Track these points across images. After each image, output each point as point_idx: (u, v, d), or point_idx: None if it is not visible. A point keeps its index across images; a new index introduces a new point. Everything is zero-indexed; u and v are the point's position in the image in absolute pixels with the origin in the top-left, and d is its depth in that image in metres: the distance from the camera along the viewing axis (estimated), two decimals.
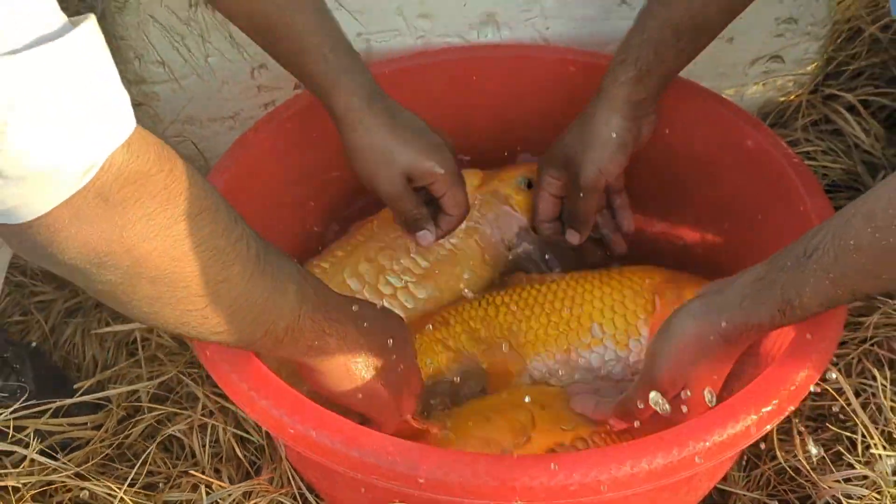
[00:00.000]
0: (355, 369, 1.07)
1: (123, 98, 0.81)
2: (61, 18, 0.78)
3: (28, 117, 0.75)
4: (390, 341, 1.10)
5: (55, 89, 0.77)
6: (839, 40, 1.52)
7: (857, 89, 1.50)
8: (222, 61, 1.42)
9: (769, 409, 0.98)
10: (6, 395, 1.25)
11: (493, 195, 1.40)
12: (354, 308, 1.07)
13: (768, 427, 0.98)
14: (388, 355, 1.10)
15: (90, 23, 0.79)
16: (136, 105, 1.40)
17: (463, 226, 1.34)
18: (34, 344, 1.34)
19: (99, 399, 1.27)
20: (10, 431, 1.20)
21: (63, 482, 1.18)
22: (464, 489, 0.95)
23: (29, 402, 1.23)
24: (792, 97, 1.50)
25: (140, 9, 1.36)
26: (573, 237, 1.32)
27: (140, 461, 1.21)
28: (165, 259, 0.86)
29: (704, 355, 1.03)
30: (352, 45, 1.22)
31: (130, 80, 1.42)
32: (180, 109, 1.45)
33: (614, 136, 1.24)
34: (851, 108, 1.49)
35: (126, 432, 1.25)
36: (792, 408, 0.99)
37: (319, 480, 1.14)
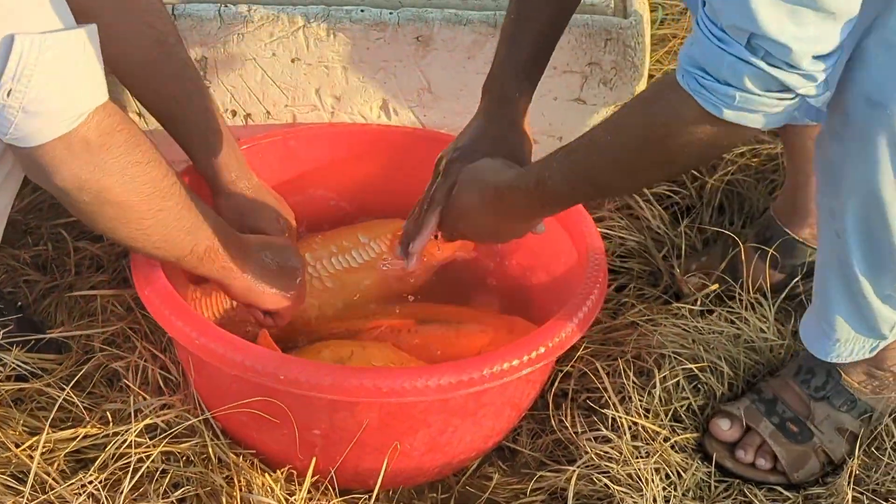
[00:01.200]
0: (255, 282, 1.60)
1: (102, 77, 1.33)
2: (73, 18, 1.29)
3: (48, 74, 1.26)
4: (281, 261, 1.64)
5: (66, 60, 1.28)
6: None
7: (653, 186, 2.02)
8: None
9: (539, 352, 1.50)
10: None
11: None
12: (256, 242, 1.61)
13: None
14: (280, 272, 1.63)
15: (94, 27, 1.31)
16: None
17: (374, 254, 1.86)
18: (20, 304, 1.81)
19: (64, 338, 1.74)
20: None
21: (34, 389, 1.65)
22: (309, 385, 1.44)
23: (10, 335, 1.71)
24: None
25: None
26: None
27: (90, 385, 1.69)
28: (123, 190, 1.38)
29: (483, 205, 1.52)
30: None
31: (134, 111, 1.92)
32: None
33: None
34: (647, 200, 2.00)
35: (80, 367, 1.72)
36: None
37: (208, 392, 1.61)
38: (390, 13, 1.84)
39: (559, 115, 1.93)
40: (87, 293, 1.81)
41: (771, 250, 1.87)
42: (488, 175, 1.54)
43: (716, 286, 1.86)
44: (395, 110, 1.93)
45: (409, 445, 1.57)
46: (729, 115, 1.26)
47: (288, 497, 1.56)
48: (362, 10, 1.84)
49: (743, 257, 1.88)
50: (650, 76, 2.14)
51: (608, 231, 1.95)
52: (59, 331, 1.76)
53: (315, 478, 1.59)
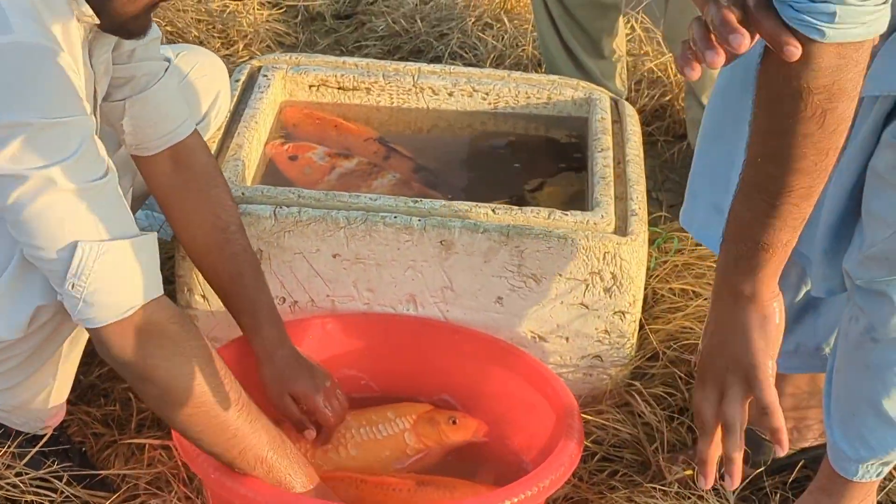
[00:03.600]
0: None
1: (156, 277, 1.65)
2: (136, 229, 1.63)
3: (102, 274, 1.61)
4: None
5: (119, 264, 1.61)
6: (640, 360, 2.29)
7: (651, 388, 2.25)
8: None
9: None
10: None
11: (428, 422, 2.14)
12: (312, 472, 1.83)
13: None
14: None
15: (153, 235, 1.64)
16: None
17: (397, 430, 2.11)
18: (84, 449, 2.11)
19: (113, 477, 2.03)
20: None
21: None
22: None
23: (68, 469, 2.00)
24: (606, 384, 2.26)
25: None
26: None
27: None
28: (164, 379, 1.67)
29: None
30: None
31: (180, 304, 2.25)
32: (210, 329, 2.26)
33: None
34: (645, 399, 2.23)
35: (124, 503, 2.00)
36: None
37: None
38: (419, 220, 2.15)
39: (565, 318, 2.20)
40: (137, 441, 2.10)
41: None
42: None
43: (689, 472, 2.06)
44: (422, 304, 2.21)
45: None
46: (831, 34, 1.25)
47: None
48: (395, 217, 2.15)
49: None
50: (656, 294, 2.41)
51: (605, 423, 2.18)
52: (111, 471, 2.05)
53: None
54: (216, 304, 2.21)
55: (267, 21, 3.63)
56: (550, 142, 2.56)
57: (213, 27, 3.54)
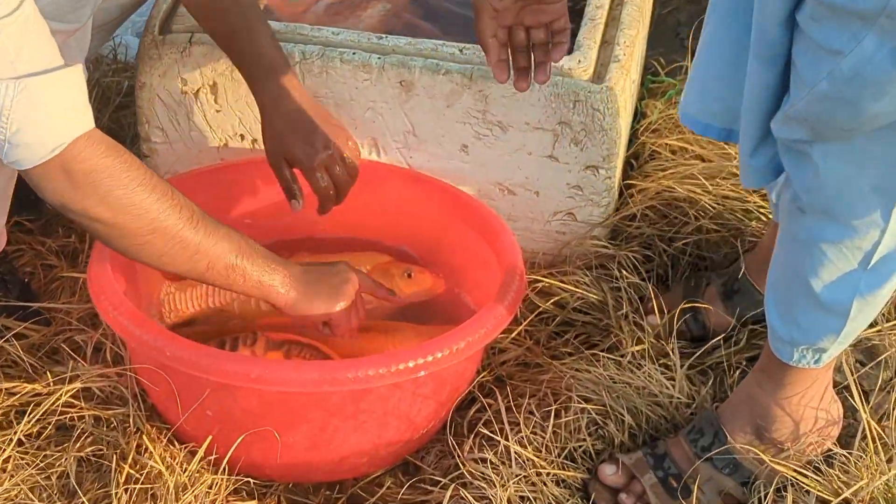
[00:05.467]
0: (303, 301, 1.70)
1: (83, 111, 1.54)
2: (59, 62, 1.53)
3: (22, 113, 1.49)
4: (325, 276, 1.75)
5: (39, 101, 1.51)
6: (619, 218, 2.13)
7: (626, 250, 2.10)
8: (199, 136, 2.14)
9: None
10: None
11: (383, 274, 2.04)
12: (286, 263, 1.72)
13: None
14: (326, 283, 1.74)
15: (76, 68, 1.54)
16: (142, 157, 2.16)
17: None
18: (27, 280, 2.06)
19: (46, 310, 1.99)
20: None
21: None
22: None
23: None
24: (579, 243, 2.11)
25: (152, 88, 2.10)
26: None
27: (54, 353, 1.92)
28: (106, 210, 1.57)
29: None
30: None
31: (141, 136, 2.16)
32: (170, 164, 2.17)
33: None
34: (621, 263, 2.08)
35: (54, 337, 1.95)
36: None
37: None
38: (378, 58, 2.01)
39: (534, 170, 2.05)
40: (77, 275, 2.04)
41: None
42: None
43: (645, 345, 1.92)
44: (384, 149, 2.09)
45: (292, 439, 1.72)
46: None
47: (179, 468, 1.73)
48: (354, 53, 2.02)
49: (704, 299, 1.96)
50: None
51: (572, 286, 2.04)
52: (42, 304, 2.00)
53: (213, 457, 1.75)
54: (175, 134, 2.13)
55: None
56: None
57: None
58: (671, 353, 1.88)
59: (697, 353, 1.89)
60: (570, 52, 2.03)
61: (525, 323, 2.00)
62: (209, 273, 1.65)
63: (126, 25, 2.42)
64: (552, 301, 2.03)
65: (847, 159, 1.47)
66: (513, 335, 1.99)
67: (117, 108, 2.45)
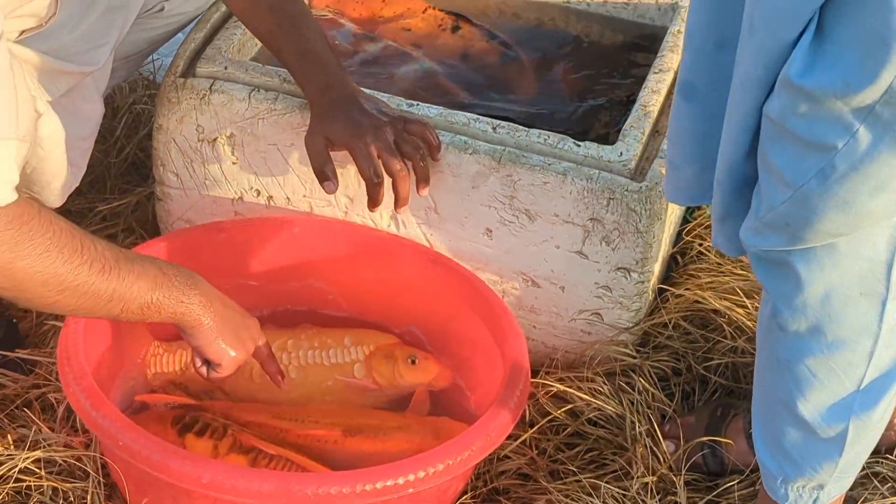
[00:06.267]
0: (210, 330, 1.62)
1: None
2: None
3: None
4: (238, 319, 1.66)
5: None
6: (649, 324, 1.96)
7: (655, 359, 1.93)
8: (214, 186, 2.01)
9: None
10: None
11: (385, 357, 1.90)
12: (211, 289, 1.63)
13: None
14: (238, 324, 1.66)
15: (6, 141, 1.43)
16: (156, 199, 2.04)
17: (348, 359, 1.88)
18: (14, 320, 1.96)
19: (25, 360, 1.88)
20: None
21: None
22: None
23: None
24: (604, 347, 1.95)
25: (168, 132, 1.98)
26: None
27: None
28: (10, 284, 1.46)
29: None
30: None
31: (156, 179, 2.05)
32: (183, 211, 2.05)
33: None
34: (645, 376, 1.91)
35: (29, 391, 1.84)
36: None
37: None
38: None
39: (561, 264, 1.89)
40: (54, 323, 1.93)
41: None
42: None
43: (654, 477, 1.75)
44: (404, 223, 1.94)
45: None
46: None
47: None
48: None
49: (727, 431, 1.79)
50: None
51: (586, 396, 1.87)
52: (24, 353, 1.89)
53: None
54: (190, 182, 2.01)
55: None
56: (621, 52, 2.20)
57: None
58: (679, 490, 1.71)
59: (706, 498, 1.72)
60: (613, 141, 1.87)
61: (533, 430, 1.85)
62: (123, 314, 1.57)
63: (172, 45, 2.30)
64: (565, 409, 1.87)
65: (832, 264, 1.31)
66: (517, 442, 1.84)
67: (148, 136, 2.33)
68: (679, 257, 2.09)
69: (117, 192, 2.26)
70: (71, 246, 1.49)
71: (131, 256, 1.58)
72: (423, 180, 1.81)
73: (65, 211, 2.19)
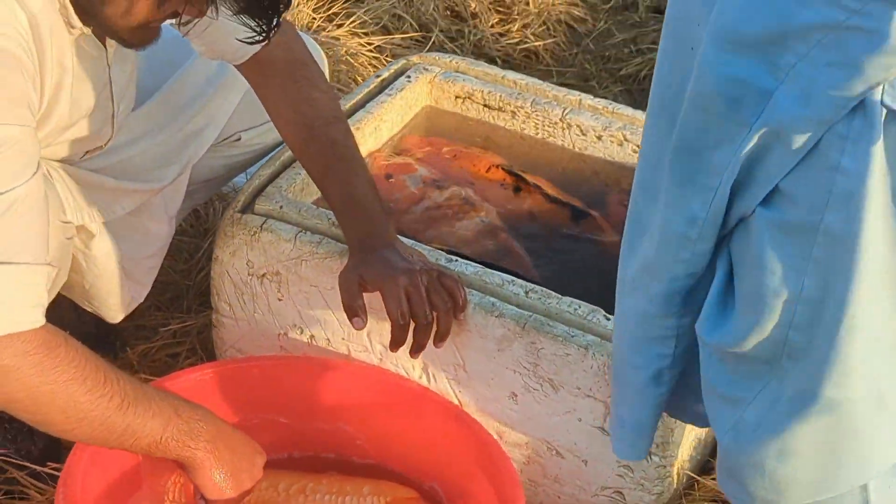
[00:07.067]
0: (211, 474, 1.66)
1: (25, 310, 1.50)
2: (23, 257, 1.50)
3: None
4: (242, 460, 1.69)
5: None
6: None
7: None
8: (262, 320, 2.05)
9: None
10: None
11: None
12: (220, 431, 1.66)
13: None
14: (238, 467, 1.68)
15: (43, 268, 1.52)
16: (211, 326, 2.09)
17: None
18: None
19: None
20: None
21: None
22: None
23: None
24: None
25: (222, 263, 2.03)
26: None
27: None
28: (32, 404, 1.54)
29: None
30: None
31: (212, 306, 2.09)
32: (235, 340, 2.09)
33: None
34: None
35: None
36: None
37: None
38: None
39: (583, 438, 1.84)
40: None
41: None
42: None
43: None
44: (434, 377, 1.93)
45: None
46: None
47: None
48: None
49: None
50: None
51: None
52: (52, 467, 1.95)
53: None
54: (241, 313, 2.05)
55: (563, 3, 3.33)
56: None
57: (497, 0, 3.29)
58: None
59: None
60: None
61: None
62: (133, 448, 1.62)
63: None
64: None
65: None
66: None
67: None
68: None
69: (193, 311, 2.32)
70: (94, 378, 1.56)
71: (150, 394, 1.64)
72: (442, 334, 1.81)
73: (138, 325, 2.28)
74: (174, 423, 1.63)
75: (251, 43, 1.57)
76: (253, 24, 1.57)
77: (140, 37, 1.67)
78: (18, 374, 1.50)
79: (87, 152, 1.88)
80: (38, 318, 1.53)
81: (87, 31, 1.67)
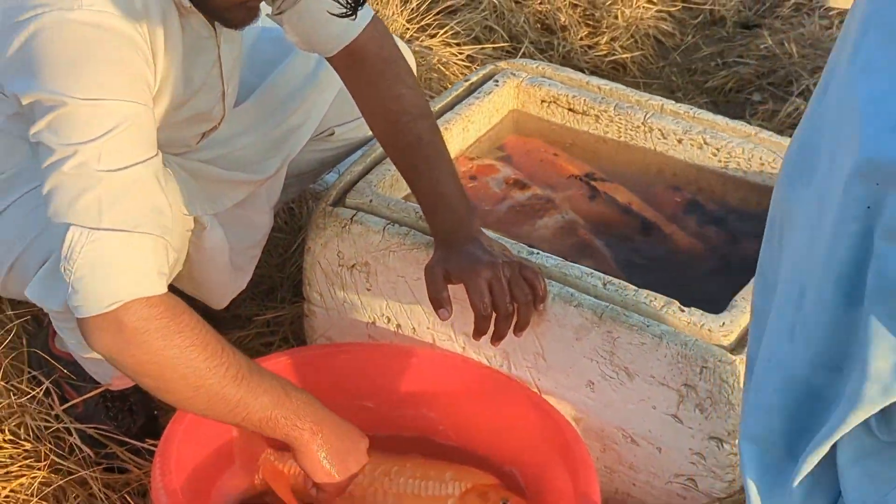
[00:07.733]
0: (319, 456, 1.77)
1: (151, 273, 1.62)
2: (146, 226, 1.63)
3: (90, 262, 1.59)
4: (347, 444, 1.80)
5: (108, 255, 1.60)
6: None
7: None
8: (351, 310, 2.14)
9: None
10: None
11: (478, 497, 1.96)
12: (326, 416, 1.77)
13: None
14: (345, 449, 1.79)
15: (162, 239, 1.64)
16: (303, 315, 2.19)
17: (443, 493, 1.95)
18: (156, 412, 2.13)
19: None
20: None
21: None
22: None
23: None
24: None
25: (314, 254, 2.12)
26: None
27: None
28: (156, 369, 1.64)
29: None
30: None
31: (304, 295, 2.19)
32: (325, 329, 2.19)
33: None
34: None
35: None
36: None
37: None
38: None
39: (657, 425, 1.90)
40: None
41: None
42: None
43: None
44: (515, 365, 2.00)
45: None
46: None
47: None
48: None
49: None
50: None
51: None
52: (151, 443, 2.05)
53: None
54: (332, 302, 2.15)
55: (652, 17, 3.40)
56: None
57: (587, 14, 3.37)
58: None
59: None
60: (719, 311, 1.88)
61: None
62: (244, 423, 1.73)
63: None
64: None
65: None
66: None
67: None
68: None
69: (286, 302, 2.42)
70: (213, 347, 1.67)
71: (262, 371, 1.75)
72: (522, 325, 1.88)
73: (234, 314, 2.38)
74: (283, 402, 1.73)
75: (340, 16, 1.62)
76: None
77: (240, 16, 1.76)
78: (146, 337, 1.61)
79: (202, 135, 1.98)
80: (163, 286, 1.64)
81: (196, 11, 1.78)
